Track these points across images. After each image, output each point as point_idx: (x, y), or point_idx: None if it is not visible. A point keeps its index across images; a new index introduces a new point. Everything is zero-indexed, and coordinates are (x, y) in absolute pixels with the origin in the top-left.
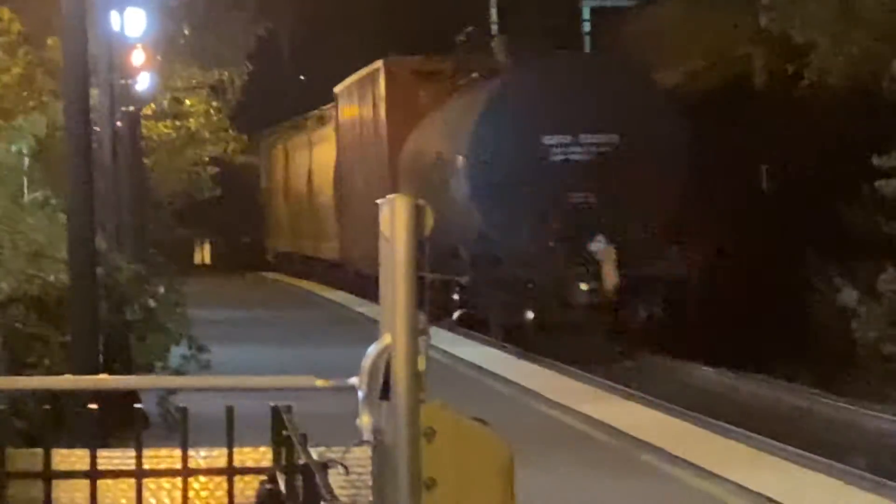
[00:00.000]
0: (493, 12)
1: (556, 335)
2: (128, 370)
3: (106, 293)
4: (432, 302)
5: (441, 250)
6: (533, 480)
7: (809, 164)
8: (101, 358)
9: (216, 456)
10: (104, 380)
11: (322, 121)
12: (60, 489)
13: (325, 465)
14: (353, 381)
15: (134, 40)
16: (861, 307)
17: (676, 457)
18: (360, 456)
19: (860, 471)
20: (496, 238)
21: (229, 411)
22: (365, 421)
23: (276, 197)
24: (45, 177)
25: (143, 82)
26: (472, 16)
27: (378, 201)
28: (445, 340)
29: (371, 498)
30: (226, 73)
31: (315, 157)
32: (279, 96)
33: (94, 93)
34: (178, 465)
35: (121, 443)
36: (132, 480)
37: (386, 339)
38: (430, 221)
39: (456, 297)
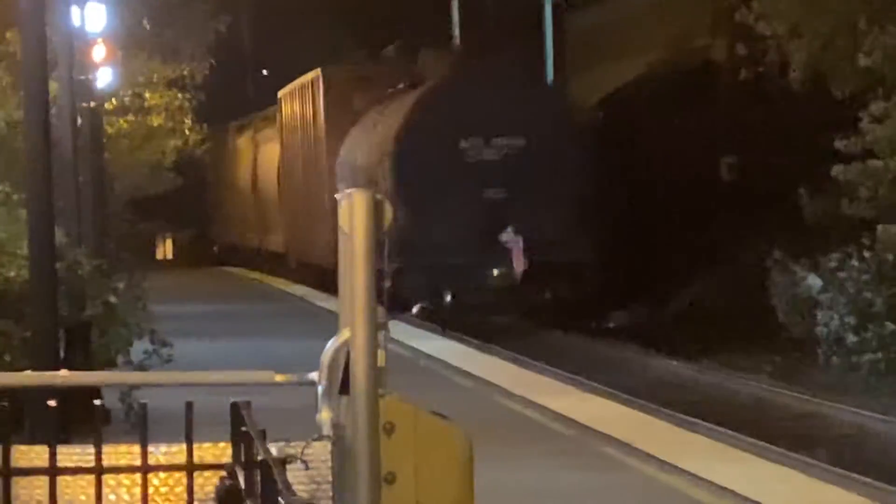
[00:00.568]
0: (455, 2)
1: (471, 314)
2: (88, 366)
3: (66, 289)
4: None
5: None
6: (493, 473)
7: (771, 152)
8: (61, 354)
9: (176, 452)
10: (64, 376)
11: (267, 121)
12: (20, 486)
13: (284, 461)
14: (313, 375)
15: (94, 35)
16: (824, 295)
17: (637, 449)
18: (320, 451)
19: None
20: (419, 229)
21: (188, 407)
22: (324, 416)
23: (223, 191)
24: (5, 172)
25: (103, 77)
26: (431, 5)
27: (336, 196)
28: (405, 333)
29: (331, 493)
30: (186, 68)
31: (260, 155)
32: (241, 90)
33: (54, 87)
34: (138, 462)
35: (82, 438)
36: (92, 477)
37: (345, 333)
38: (388, 216)
39: (388, 283)
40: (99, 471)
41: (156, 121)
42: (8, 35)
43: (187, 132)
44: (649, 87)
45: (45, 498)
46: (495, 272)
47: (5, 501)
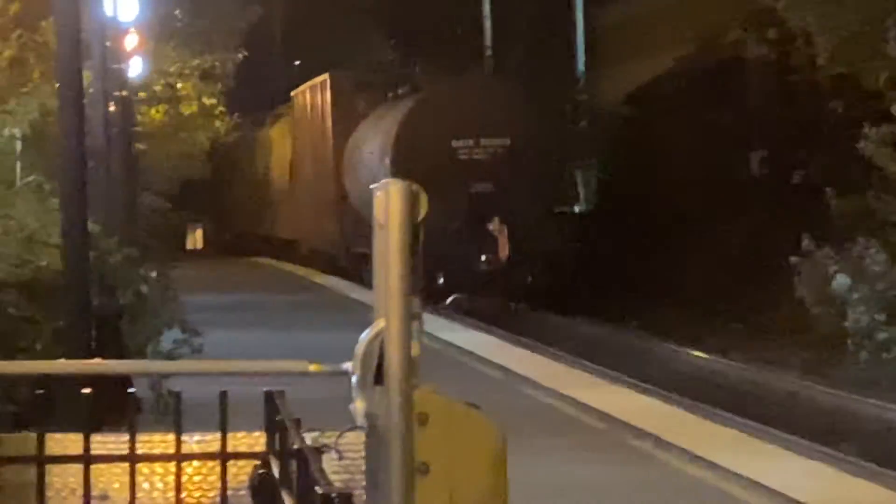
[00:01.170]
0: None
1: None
2: (120, 355)
3: (98, 278)
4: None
5: (372, 230)
6: (525, 465)
7: (800, 147)
8: (93, 343)
9: (209, 441)
10: (97, 364)
11: (280, 119)
12: (53, 473)
13: (318, 450)
14: (347, 366)
15: (127, 25)
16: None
17: (666, 441)
18: (353, 441)
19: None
20: None
21: (223, 396)
22: (358, 406)
23: (247, 182)
24: (38, 161)
25: (135, 67)
26: (468, 18)
27: (371, 186)
28: (436, 326)
29: (364, 483)
30: (217, 59)
31: (274, 150)
32: (272, 81)
33: (87, 76)
34: (172, 450)
35: (112, 427)
36: (125, 465)
37: (379, 323)
38: (424, 207)
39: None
40: (133, 459)
41: (187, 110)
42: (42, 24)
43: (218, 123)
44: (678, 83)
45: (79, 486)
46: (483, 258)
47: (39, 489)
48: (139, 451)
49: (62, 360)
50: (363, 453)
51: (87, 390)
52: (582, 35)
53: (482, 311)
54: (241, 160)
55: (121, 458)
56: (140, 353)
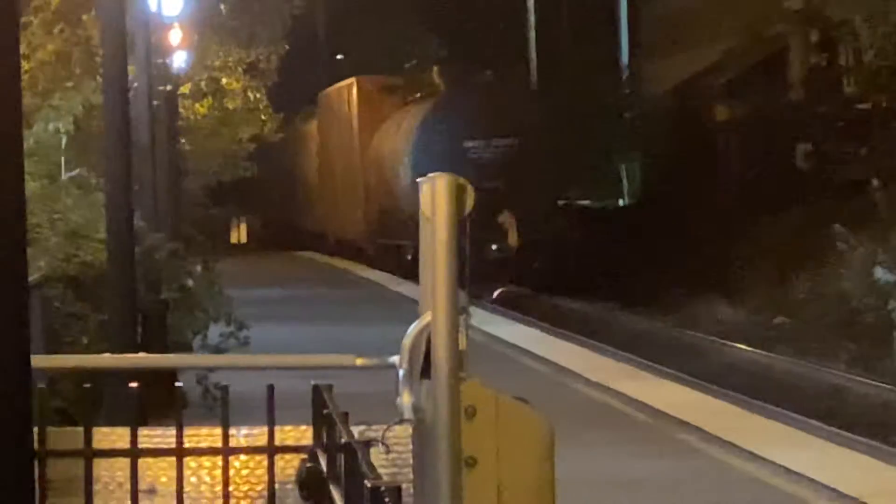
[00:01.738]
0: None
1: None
2: (165, 349)
3: (143, 272)
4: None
5: (394, 222)
6: (572, 458)
7: (846, 140)
8: (139, 337)
9: (257, 434)
10: (143, 358)
11: (309, 118)
12: (101, 467)
13: (366, 444)
14: (394, 359)
15: (171, 19)
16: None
17: (712, 435)
18: (401, 434)
19: None
20: None
21: (270, 389)
22: (405, 399)
23: (288, 177)
24: (82, 156)
25: (179, 61)
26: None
27: (418, 180)
28: (479, 319)
29: (412, 476)
30: (262, 53)
31: (305, 146)
32: (315, 75)
33: (131, 71)
34: (219, 444)
35: (159, 421)
36: (173, 459)
37: (426, 317)
38: (470, 200)
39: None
40: (180, 452)
41: (231, 104)
42: (84, 18)
43: (263, 118)
44: (724, 75)
45: (126, 479)
46: (493, 247)
47: (87, 482)
48: (186, 445)
49: (108, 355)
50: (410, 447)
51: (133, 384)
52: (626, 27)
53: (526, 304)
54: (280, 156)
55: (168, 452)
56: (186, 348)
